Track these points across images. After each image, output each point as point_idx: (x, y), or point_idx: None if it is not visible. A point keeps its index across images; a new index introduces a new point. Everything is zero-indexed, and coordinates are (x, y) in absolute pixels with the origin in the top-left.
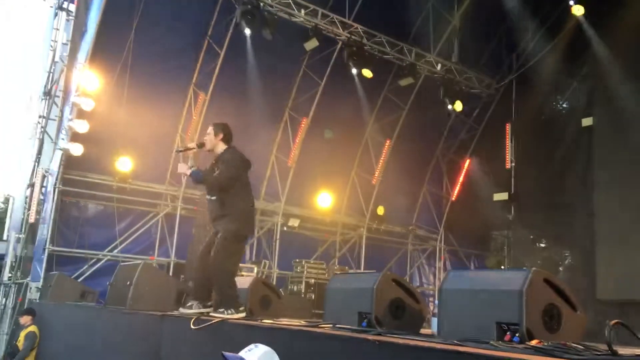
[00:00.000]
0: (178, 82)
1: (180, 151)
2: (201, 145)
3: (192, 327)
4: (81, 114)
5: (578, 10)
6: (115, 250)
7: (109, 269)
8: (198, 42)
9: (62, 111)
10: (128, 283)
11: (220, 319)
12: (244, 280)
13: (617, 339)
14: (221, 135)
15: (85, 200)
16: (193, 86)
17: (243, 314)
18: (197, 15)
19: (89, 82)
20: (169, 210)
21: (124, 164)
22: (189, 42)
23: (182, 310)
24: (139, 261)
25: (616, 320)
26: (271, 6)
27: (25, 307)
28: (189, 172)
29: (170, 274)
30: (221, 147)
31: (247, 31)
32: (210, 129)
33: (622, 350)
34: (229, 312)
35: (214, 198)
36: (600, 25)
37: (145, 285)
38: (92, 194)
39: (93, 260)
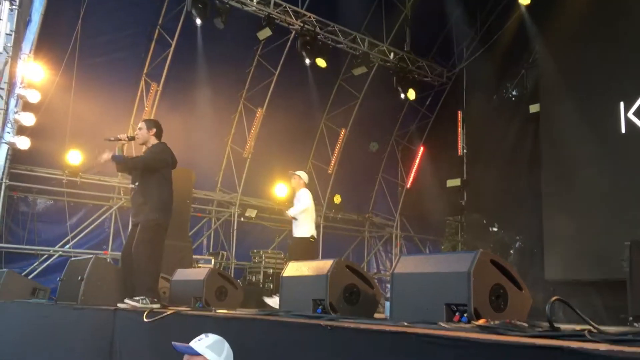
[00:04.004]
0: (129, 72)
1: (111, 140)
2: (132, 138)
3: (144, 319)
4: (27, 107)
5: (524, 0)
6: (67, 246)
7: (61, 265)
8: (149, 32)
9: (7, 104)
10: (79, 278)
11: (150, 309)
12: (199, 272)
13: (565, 319)
14: (154, 130)
15: (34, 195)
16: (144, 76)
17: (157, 306)
18: (147, 4)
19: (35, 73)
20: (123, 203)
21: (74, 157)
22: (139, 32)
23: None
24: (90, 256)
25: (556, 297)
26: None
27: None
28: (109, 155)
29: None
30: (152, 141)
31: (198, 21)
32: (142, 124)
33: (565, 327)
34: (144, 301)
35: (136, 185)
36: (545, 13)
37: (96, 280)
38: (42, 188)
39: (44, 257)
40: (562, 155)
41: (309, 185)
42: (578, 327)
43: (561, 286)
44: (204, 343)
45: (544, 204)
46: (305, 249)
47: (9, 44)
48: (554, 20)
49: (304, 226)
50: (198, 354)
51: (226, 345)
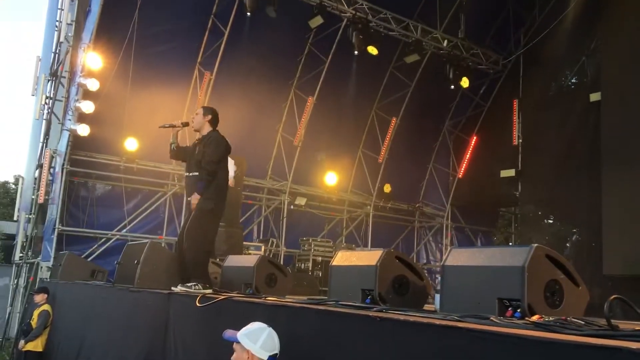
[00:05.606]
0: (183, 61)
1: (165, 127)
2: (185, 124)
3: (197, 304)
4: (87, 95)
5: None
6: (124, 230)
7: (119, 248)
8: (202, 21)
9: (68, 92)
10: (135, 262)
11: (202, 294)
12: (249, 259)
13: (622, 315)
14: (209, 117)
15: (94, 180)
16: (198, 65)
17: (209, 291)
18: None
19: (94, 62)
20: (177, 189)
21: (131, 144)
22: (193, 21)
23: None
24: (146, 240)
25: (615, 296)
26: None
27: (36, 286)
28: (197, 198)
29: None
30: (207, 128)
31: (250, 9)
32: (199, 110)
33: (624, 325)
34: (196, 287)
35: (192, 175)
36: None
37: (152, 264)
38: (100, 174)
39: (102, 240)
40: (623, 146)
41: (358, 174)
42: (638, 327)
43: (620, 282)
44: (243, 331)
45: (603, 196)
46: None
47: (70, 34)
48: (618, 4)
49: None
50: (237, 341)
51: (266, 333)
